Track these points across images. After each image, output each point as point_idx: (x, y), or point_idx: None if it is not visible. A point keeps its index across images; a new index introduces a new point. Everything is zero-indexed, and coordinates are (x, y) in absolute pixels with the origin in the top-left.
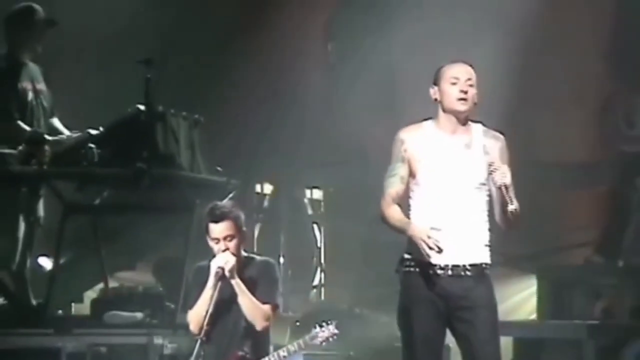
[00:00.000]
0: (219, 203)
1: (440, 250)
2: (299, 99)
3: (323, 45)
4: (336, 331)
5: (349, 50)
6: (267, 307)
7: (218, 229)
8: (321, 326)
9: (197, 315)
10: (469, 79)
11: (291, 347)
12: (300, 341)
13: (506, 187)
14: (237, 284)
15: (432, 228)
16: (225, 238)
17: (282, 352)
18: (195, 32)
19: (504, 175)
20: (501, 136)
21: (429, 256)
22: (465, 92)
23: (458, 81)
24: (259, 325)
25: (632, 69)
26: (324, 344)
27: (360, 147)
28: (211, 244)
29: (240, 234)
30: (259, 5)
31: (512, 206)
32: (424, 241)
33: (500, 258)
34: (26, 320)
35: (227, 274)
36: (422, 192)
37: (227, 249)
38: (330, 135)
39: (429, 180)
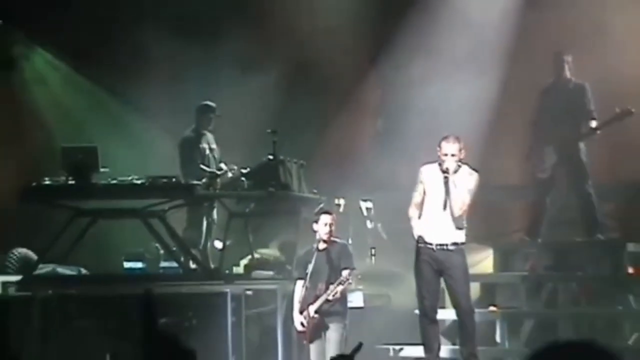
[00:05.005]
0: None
1: (432, 245)
2: (361, 152)
3: (375, 120)
4: (347, 277)
5: (389, 124)
6: None
7: (327, 218)
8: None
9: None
10: (453, 155)
11: (332, 287)
12: (336, 283)
13: (447, 170)
14: None
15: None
16: (330, 224)
17: (330, 292)
18: (300, 116)
19: (447, 165)
20: (474, 173)
21: (427, 245)
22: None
23: (446, 157)
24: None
25: (543, 132)
26: (343, 282)
27: (394, 180)
28: (320, 227)
29: (335, 225)
30: (339, 95)
31: (447, 173)
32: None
33: (471, 238)
34: (208, 276)
35: None
36: (428, 201)
37: (331, 231)
38: (378, 173)
39: (431, 195)
